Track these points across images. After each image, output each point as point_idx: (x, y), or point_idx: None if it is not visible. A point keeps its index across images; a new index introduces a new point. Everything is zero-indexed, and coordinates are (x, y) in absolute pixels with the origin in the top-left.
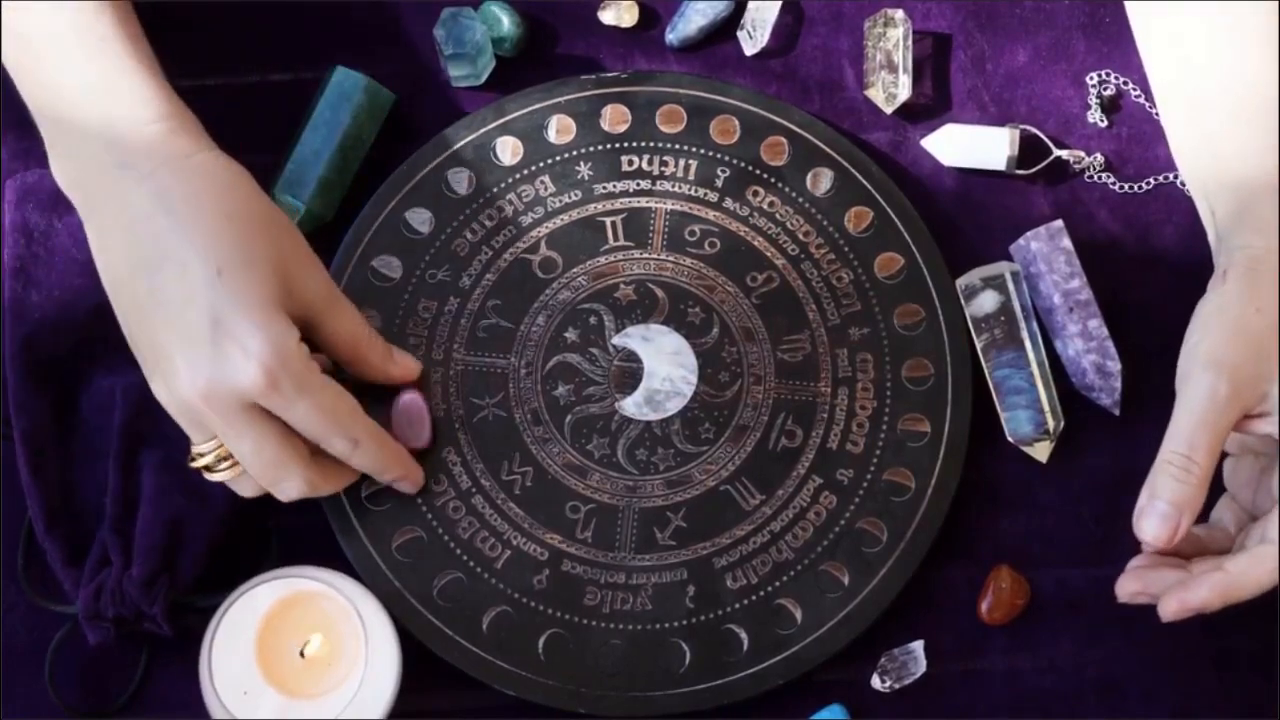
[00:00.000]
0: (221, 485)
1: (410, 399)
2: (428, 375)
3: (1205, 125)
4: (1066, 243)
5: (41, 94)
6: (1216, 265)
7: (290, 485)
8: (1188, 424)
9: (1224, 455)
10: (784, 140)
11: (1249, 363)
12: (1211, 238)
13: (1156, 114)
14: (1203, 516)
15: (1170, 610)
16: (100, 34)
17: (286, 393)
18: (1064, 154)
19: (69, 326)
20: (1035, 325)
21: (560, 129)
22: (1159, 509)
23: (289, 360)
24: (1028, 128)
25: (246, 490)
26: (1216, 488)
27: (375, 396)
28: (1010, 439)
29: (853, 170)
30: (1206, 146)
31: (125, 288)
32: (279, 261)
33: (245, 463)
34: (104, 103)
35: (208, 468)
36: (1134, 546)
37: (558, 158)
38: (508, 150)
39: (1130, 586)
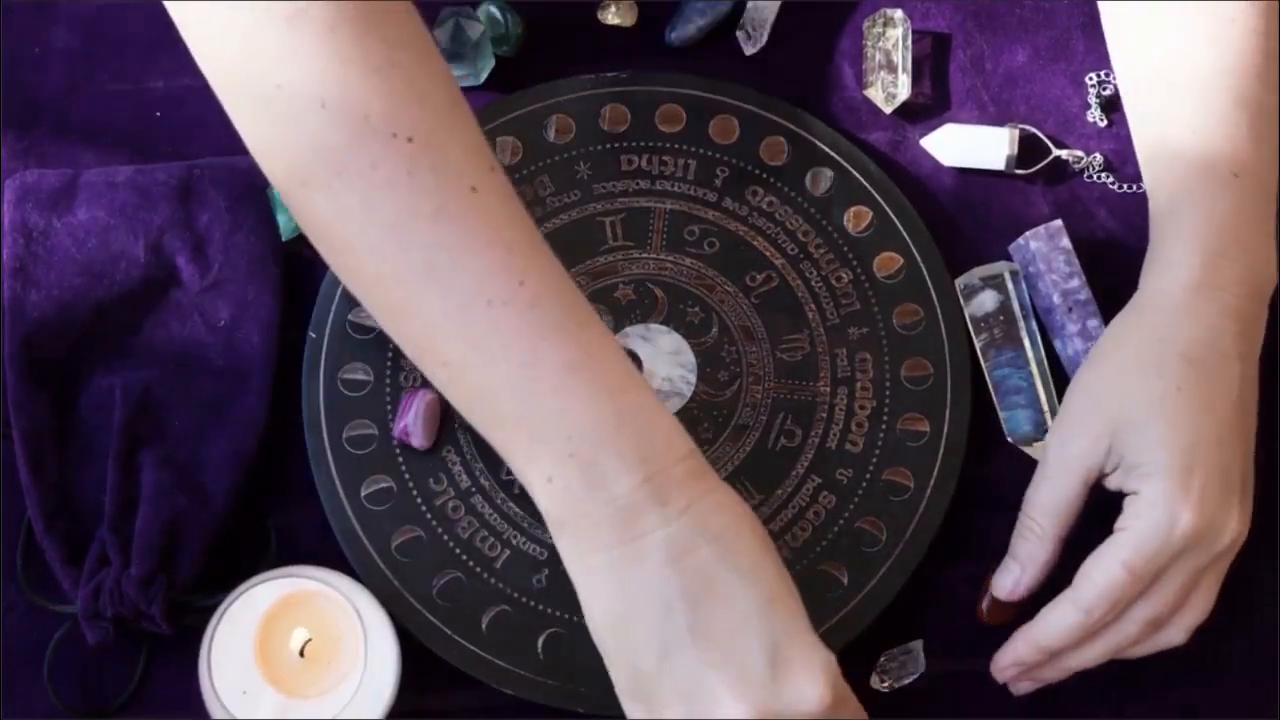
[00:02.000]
0: (221, 484)
1: (434, 398)
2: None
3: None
4: (1065, 242)
5: (563, 428)
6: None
7: None
8: (1032, 486)
9: None
10: (783, 140)
11: (1087, 432)
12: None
13: None
14: None
15: (997, 670)
16: (622, 366)
17: (843, 712)
18: (1063, 154)
19: (68, 326)
20: (1034, 325)
21: (559, 129)
22: (1006, 563)
23: (839, 677)
24: (1027, 127)
25: None
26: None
27: (394, 385)
28: (1009, 439)
29: (852, 170)
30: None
31: (649, 628)
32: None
33: None
34: (640, 439)
35: None
36: None
37: (557, 157)
38: (507, 150)
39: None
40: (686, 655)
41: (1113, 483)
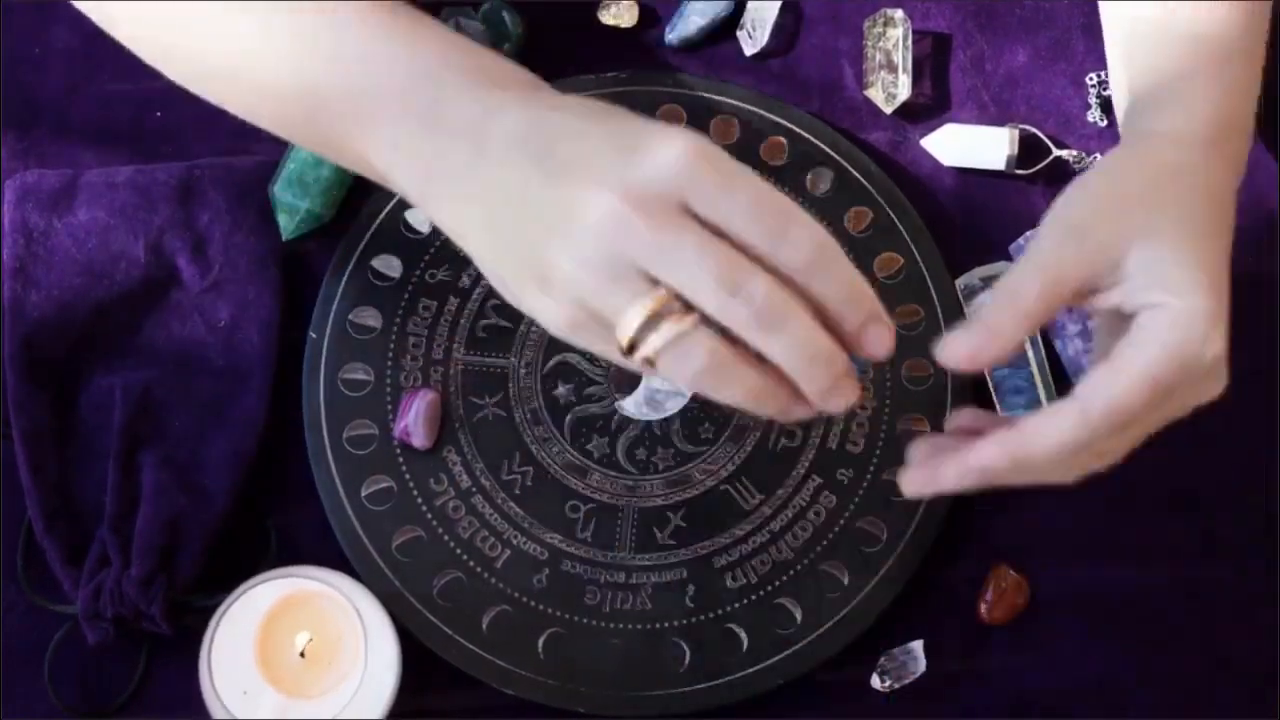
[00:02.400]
0: (221, 484)
1: (435, 397)
2: (428, 375)
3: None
4: None
5: (389, 89)
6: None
7: (757, 285)
8: (1023, 267)
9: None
10: (783, 140)
11: (1104, 235)
12: (1120, 118)
13: None
14: None
15: (949, 476)
16: (433, 25)
17: (723, 168)
18: (1064, 154)
19: (68, 326)
20: None
21: None
22: (969, 326)
23: (709, 141)
24: (1027, 128)
25: (690, 359)
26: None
27: (394, 385)
28: None
29: (852, 170)
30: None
31: (512, 200)
32: None
33: (692, 273)
34: (466, 69)
35: (633, 344)
36: (1134, 545)
37: None
38: None
39: (917, 480)
40: (548, 194)
41: (1113, 298)
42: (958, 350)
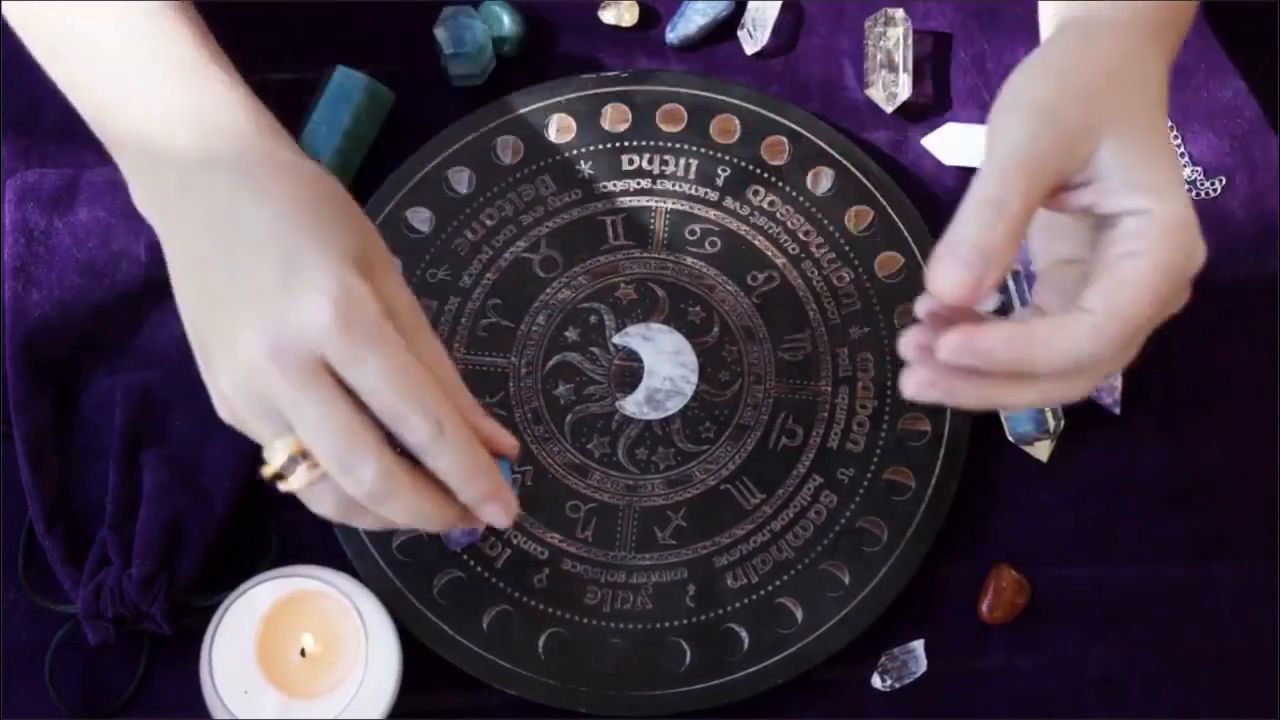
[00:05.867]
0: (222, 485)
1: None
2: None
3: None
4: None
5: (119, 109)
6: (1044, 31)
7: (366, 470)
8: (1002, 166)
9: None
10: (784, 139)
11: (1075, 118)
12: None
13: None
14: None
15: (950, 345)
16: (172, 37)
17: (359, 339)
18: None
19: (69, 326)
20: None
21: (561, 128)
22: (961, 253)
23: (364, 304)
24: None
25: (322, 503)
26: None
27: None
28: (1010, 438)
29: (853, 169)
30: None
31: (200, 280)
32: (364, 246)
33: (312, 439)
34: (191, 110)
35: (280, 475)
36: (1134, 545)
37: (558, 157)
38: (508, 149)
39: (917, 378)
40: (223, 299)
41: (1085, 197)
42: (951, 282)
